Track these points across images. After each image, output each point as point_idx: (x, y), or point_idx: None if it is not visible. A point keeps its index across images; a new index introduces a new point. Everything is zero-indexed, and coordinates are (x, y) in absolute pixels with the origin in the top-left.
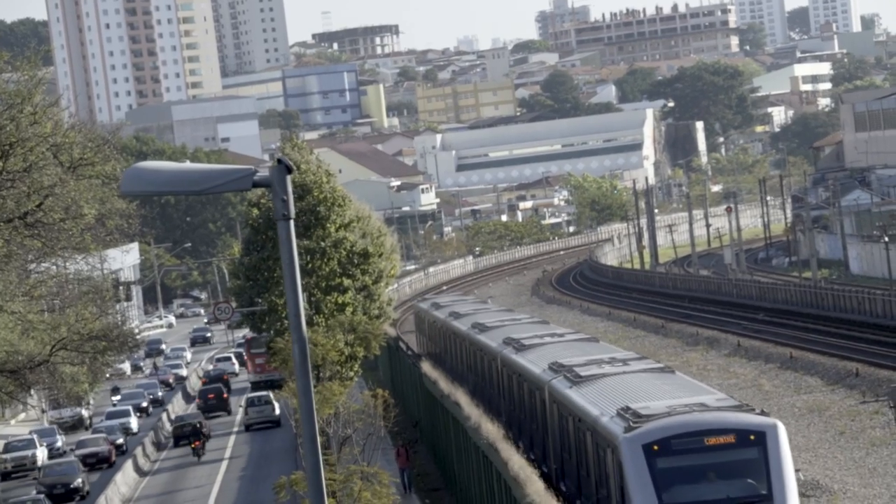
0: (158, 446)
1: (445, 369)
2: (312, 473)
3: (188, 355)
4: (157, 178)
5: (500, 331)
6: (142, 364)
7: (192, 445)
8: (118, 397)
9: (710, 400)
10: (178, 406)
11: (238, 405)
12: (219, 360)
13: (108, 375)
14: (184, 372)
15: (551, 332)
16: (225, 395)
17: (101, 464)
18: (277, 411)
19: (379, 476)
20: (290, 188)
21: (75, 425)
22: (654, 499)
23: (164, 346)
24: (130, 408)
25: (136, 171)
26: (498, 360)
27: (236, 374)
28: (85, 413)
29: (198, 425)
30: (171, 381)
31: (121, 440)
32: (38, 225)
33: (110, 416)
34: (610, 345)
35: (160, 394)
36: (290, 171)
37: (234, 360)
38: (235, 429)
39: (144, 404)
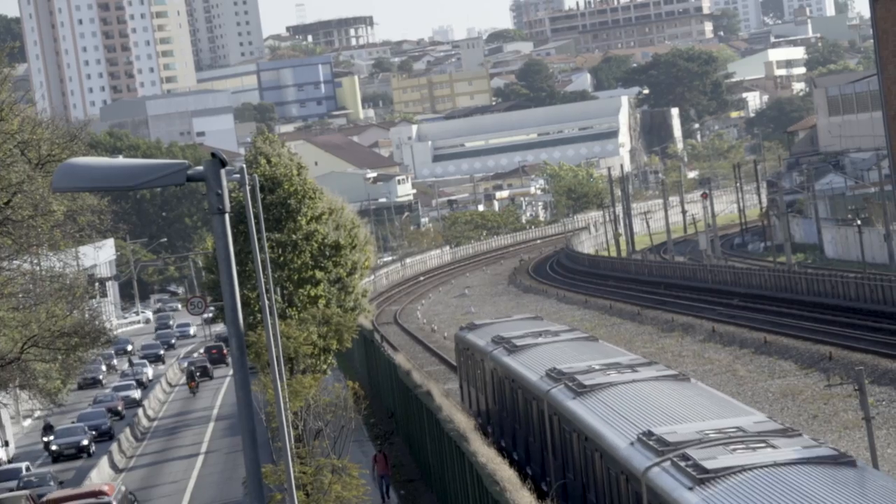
0: (137, 438)
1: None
2: (251, 466)
3: (149, 372)
4: (90, 173)
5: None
6: (100, 375)
7: (189, 385)
8: (51, 437)
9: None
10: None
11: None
12: None
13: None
14: (137, 394)
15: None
16: (224, 352)
17: None
18: None
19: (349, 469)
20: (224, 182)
21: None
22: None
23: (115, 362)
24: (23, 466)
25: (69, 167)
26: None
27: None
28: (3, 455)
29: (197, 372)
30: (120, 408)
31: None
32: (6, 222)
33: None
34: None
35: (108, 425)
36: (224, 164)
37: None
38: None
39: (85, 442)
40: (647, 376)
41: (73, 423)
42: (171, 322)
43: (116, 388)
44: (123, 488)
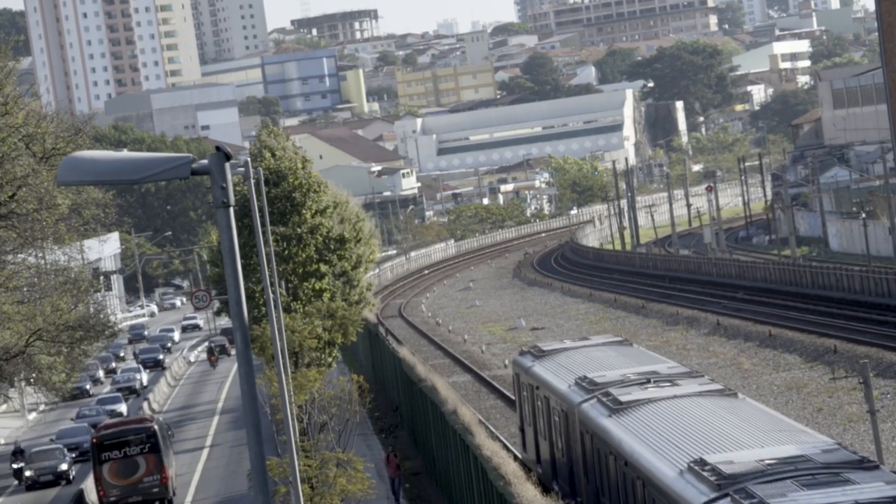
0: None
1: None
2: (256, 459)
3: (143, 377)
4: (94, 167)
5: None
6: (87, 385)
7: (210, 360)
8: (21, 462)
9: None
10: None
11: None
12: None
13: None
14: (123, 408)
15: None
16: None
17: None
18: None
19: (354, 462)
20: (228, 175)
21: None
22: None
23: (114, 365)
24: None
25: (73, 160)
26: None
27: None
28: None
29: (216, 349)
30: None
31: None
32: (11, 216)
33: None
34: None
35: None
36: (228, 158)
37: None
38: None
39: (63, 467)
40: (873, 497)
41: (51, 440)
42: (146, 333)
43: (101, 401)
44: (162, 419)
